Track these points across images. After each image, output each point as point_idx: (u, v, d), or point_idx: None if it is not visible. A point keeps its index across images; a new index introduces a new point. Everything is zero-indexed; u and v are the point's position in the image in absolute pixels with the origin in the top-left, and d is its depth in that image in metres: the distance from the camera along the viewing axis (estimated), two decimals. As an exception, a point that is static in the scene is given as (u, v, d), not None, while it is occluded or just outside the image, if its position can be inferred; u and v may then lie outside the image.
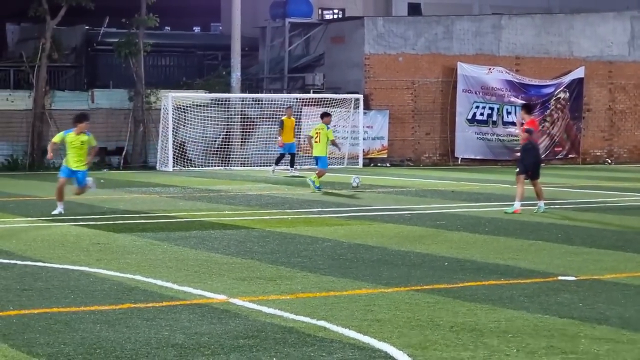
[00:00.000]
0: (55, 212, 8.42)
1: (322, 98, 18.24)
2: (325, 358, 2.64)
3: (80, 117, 9.06)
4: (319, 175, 12.02)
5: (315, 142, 12.29)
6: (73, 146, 8.63)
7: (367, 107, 18.39)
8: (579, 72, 19.86)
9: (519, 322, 3.32)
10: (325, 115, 12.78)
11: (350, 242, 6.55)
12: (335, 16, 23.07)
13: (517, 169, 9.28)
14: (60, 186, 8.57)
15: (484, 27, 20.00)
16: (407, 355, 2.63)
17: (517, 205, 8.72)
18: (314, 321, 3.31)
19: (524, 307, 3.71)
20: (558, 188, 12.44)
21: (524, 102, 16.94)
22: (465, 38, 19.62)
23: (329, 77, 19.59)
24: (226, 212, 9.28)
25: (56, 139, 9.19)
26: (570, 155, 20.18)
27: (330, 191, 12.32)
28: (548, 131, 19.58)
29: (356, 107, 18.00)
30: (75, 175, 8.78)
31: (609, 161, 20.35)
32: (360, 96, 18.13)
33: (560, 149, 20.16)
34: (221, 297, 4.03)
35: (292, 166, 15.69)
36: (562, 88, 19.81)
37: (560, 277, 4.74)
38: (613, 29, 20.83)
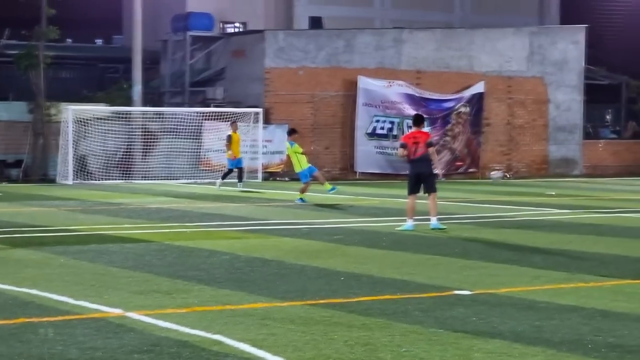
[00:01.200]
0: None
1: (222, 112, 18.30)
2: (219, 372, 2.49)
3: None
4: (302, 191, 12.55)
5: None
6: None
7: (267, 121, 18.53)
8: (479, 87, 20.49)
9: (413, 336, 3.35)
10: (291, 133, 13.48)
11: (247, 256, 6.63)
12: (237, 30, 23.14)
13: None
14: None
15: (385, 41, 20.48)
16: (301, 369, 2.69)
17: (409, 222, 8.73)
18: (209, 335, 3.32)
19: (419, 321, 3.74)
20: (457, 203, 12.66)
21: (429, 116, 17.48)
22: (366, 52, 20.04)
23: (230, 91, 19.71)
24: (126, 225, 9.19)
25: None
26: (470, 170, 20.62)
27: (230, 204, 12.50)
28: (449, 145, 20.14)
29: (256, 121, 18.13)
30: None
31: (507, 175, 20.98)
32: (260, 110, 18.25)
33: (461, 163, 20.58)
34: (117, 311, 4.04)
35: (240, 181, 15.69)
36: (462, 102, 20.38)
37: (455, 292, 4.78)
38: (512, 45, 21.54)
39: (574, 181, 20.14)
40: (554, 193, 15.84)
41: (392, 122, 19.79)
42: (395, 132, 19.58)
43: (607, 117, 25.70)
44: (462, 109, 20.30)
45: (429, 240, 8.03)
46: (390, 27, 23.43)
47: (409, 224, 8.63)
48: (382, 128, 19.75)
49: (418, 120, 9.41)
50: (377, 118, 19.69)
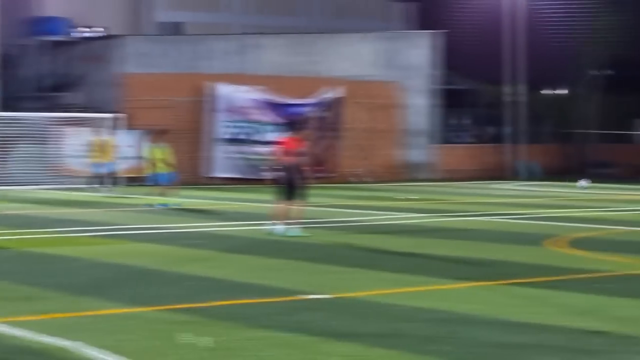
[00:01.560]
0: None
1: (80, 118, 18.07)
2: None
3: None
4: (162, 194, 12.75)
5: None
6: None
7: (124, 126, 18.36)
8: (334, 92, 21.11)
9: (273, 340, 3.34)
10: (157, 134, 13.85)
11: (106, 261, 6.73)
12: (96, 35, 22.66)
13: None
14: None
15: (238, 47, 20.85)
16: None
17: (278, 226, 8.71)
18: (66, 342, 3.23)
19: (279, 325, 3.73)
20: (317, 207, 12.61)
21: (285, 121, 17.85)
22: (221, 57, 20.37)
23: (88, 96, 19.53)
24: (-20, 232, 9.01)
25: None
26: (329, 175, 20.82)
27: (91, 210, 12.61)
28: (309, 151, 20.63)
29: (113, 126, 17.88)
30: None
31: (364, 180, 21.49)
32: (118, 115, 18.10)
33: (320, 168, 20.26)
34: None
35: (104, 185, 15.62)
36: (319, 107, 20.92)
37: (316, 296, 4.80)
38: (367, 50, 22.18)
39: (429, 185, 20.79)
40: (406, 197, 16.40)
41: (245, 128, 20.19)
42: (248, 138, 20.04)
43: (465, 122, 26.79)
44: (319, 114, 20.83)
45: (290, 245, 8.10)
46: (244, 33, 23.66)
47: (280, 227, 8.58)
48: (236, 133, 20.09)
49: (292, 127, 9.59)
50: (231, 124, 20.03)
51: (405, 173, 22.25)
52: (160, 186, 12.90)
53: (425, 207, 13.80)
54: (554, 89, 28.16)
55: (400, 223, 11.16)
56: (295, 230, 8.56)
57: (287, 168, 8.77)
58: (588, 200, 15.61)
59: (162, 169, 12.90)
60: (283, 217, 8.65)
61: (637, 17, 25.63)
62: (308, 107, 20.85)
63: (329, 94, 21.15)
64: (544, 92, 28.25)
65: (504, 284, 5.46)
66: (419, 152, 22.74)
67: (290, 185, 8.71)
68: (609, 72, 26.24)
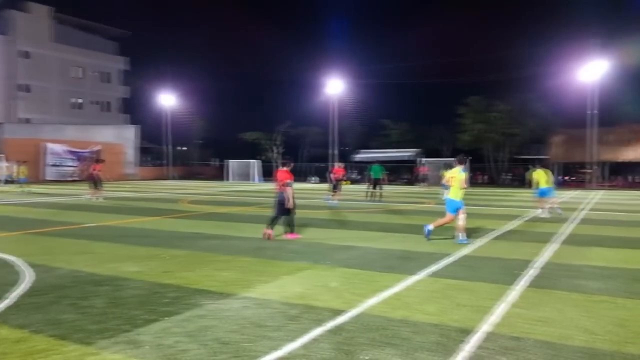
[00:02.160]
0: None
1: None
2: None
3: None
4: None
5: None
6: None
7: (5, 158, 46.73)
8: (98, 147, 53.74)
9: None
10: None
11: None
12: None
13: None
14: None
15: (57, 128, 50.73)
16: None
17: None
18: None
19: None
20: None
21: (78, 158, 50.25)
22: (50, 132, 50.64)
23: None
24: None
25: None
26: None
27: None
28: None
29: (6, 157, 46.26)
30: None
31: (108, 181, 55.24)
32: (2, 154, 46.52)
33: (94, 178, 53.58)
34: None
35: None
36: (93, 153, 53.27)
37: None
38: (108, 132, 55.58)
39: (133, 183, 55.78)
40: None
41: (61, 160, 49.91)
42: (62, 164, 51.02)
43: (148, 158, 63.30)
44: (92, 155, 53.43)
45: None
46: (54, 123, 54.07)
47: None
48: (57, 162, 50.19)
49: (97, 160, 43.12)
50: (56, 158, 49.81)
51: (127, 178, 55.84)
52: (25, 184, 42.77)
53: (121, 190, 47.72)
54: (182, 146, 66.59)
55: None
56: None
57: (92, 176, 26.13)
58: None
59: (24, 175, 42.69)
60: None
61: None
62: (86, 153, 52.47)
63: (96, 148, 53.22)
64: (178, 148, 66.35)
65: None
66: (131, 169, 56.80)
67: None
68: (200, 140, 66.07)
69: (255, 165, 53.19)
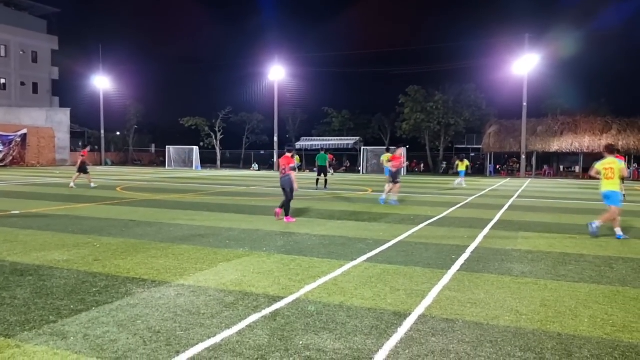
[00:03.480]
0: None
1: None
2: None
3: None
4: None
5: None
6: None
7: None
8: (24, 131, 50.68)
9: None
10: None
11: None
12: None
13: None
14: None
15: None
16: None
17: None
18: None
19: None
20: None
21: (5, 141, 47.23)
22: None
23: None
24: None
25: None
26: (20, 163, 50.99)
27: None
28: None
29: None
30: None
31: (38, 166, 52.32)
32: None
33: (19, 161, 50.52)
34: None
35: None
36: (18, 136, 50.17)
37: None
38: (38, 115, 52.47)
39: (65, 167, 53.42)
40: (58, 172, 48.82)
41: None
42: None
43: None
44: (18, 139, 50.42)
45: None
46: None
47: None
48: None
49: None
50: None
51: (58, 163, 53.08)
52: None
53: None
54: (118, 131, 64.08)
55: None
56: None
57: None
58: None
59: None
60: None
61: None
62: (14, 136, 49.42)
63: (23, 132, 50.21)
64: (114, 133, 63.74)
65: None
66: (63, 155, 54.09)
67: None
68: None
69: (194, 151, 52.07)
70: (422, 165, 51.69)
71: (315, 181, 24.62)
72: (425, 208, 15.33)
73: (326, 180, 24.10)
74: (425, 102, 48.57)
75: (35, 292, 5.63)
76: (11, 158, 48.94)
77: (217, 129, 55.60)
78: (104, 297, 5.48)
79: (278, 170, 11.81)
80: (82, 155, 22.83)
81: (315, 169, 44.10)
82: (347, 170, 47.86)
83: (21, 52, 59.20)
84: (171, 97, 76.50)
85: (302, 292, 5.83)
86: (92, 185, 22.17)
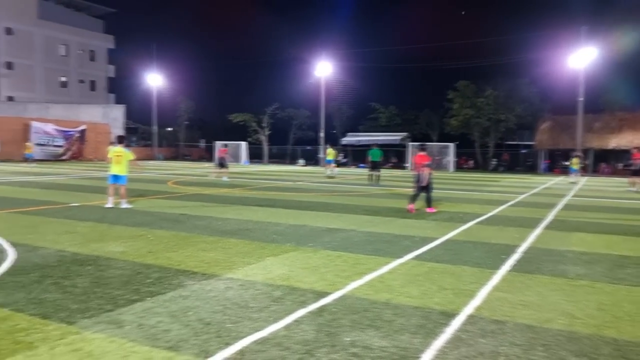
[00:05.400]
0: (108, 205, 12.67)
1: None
2: None
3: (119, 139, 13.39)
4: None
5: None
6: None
7: None
8: (83, 127, 53.05)
9: None
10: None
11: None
12: None
13: None
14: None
15: (44, 107, 50.28)
16: None
17: None
18: None
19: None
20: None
21: (65, 137, 49.82)
22: (33, 111, 49.26)
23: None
24: None
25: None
26: (81, 157, 53.46)
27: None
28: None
29: None
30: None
31: (95, 160, 54.87)
32: None
33: (79, 155, 52.98)
34: None
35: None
36: (79, 132, 52.56)
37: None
38: (95, 111, 54.78)
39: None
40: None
41: (48, 139, 48.53)
42: (51, 143, 50.12)
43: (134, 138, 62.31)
44: (78, 134, 52.71)
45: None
46: (48, 102, 52.39)
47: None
48: (43, 141, 49.22)
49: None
50: (41, 137, 48.57)
51: None
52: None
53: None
54: (169, 127, 65.93)
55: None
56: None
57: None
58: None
59: (29, 151, 42.36)
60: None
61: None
62: (74, 132, 51.68)
63: (82, 127, 52.43)
64: (166, 128, 65.67)
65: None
66: None
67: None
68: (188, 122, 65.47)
69: (242, 147, 52.90)
70: (471, 162, 50.62)
71: (367, 177, 24.52)
72: (473, 206, 15.03)
73: (378, 176, 23.95)
74: (475, 98, 47.47)
75: (94, 282, 5.90)
76: (71, 152, 51.14)
77: (264, 125, 56.27)
78: (157, 288, 5.67)
79: (412, 168, 12.69)
80: (222, 152, 27.07)
81: (362, 165, 44.00)
82: (393, 167, 47.45)
83: (80, 51, 61.86)
84: (220, 94, 78.01)
85: (348, 288, 5.85)
86: (225, 178, 24.43)
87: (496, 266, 7.14)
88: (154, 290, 5.60)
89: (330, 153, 31.67)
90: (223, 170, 25.22)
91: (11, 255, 7.16)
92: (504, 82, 47.30)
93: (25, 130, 47.22)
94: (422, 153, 13.25)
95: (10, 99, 53.23)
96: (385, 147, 49.29)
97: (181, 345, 4.09)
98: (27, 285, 5.68)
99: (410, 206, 13.02)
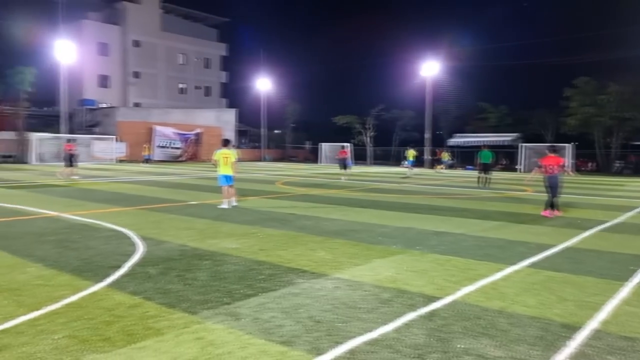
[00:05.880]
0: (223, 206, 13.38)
1: (104, 137, 49.12)
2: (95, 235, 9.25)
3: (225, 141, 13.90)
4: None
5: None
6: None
7: (119, 140, 50.45)
8: (199, 130, 57.33)
9: None
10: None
11: None
12: (106, 105, 52.92)
13: None
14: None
15: (164, 112, 55.58)
16: None
17: None
18: (93, 220, 13.82)
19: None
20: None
21: (183, 140, 53.83)
22: (157, 116, 54.29)
23: (103, 128, 50.12)
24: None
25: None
26: (196, 159, 57.53)
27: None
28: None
29: (115, 140, 50.07)
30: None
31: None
32: (116, 137, 49.59)
33: (195, 157, 57.28)
34: (55, 213, 11.32)
35: None
36: (195, 135, 56.58)
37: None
38: (209, 115, 59.53)
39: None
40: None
41: (168, 141, 52.41)
42: (170, 145, 53.99)
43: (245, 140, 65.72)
44: (195, 137, 55.55)
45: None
46: (167, 107, 57.08)
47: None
48: (164, 143, 52.64)
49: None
50: (162, 140, 52.33)
51: None
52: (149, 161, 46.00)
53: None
54: (276, 129, 68.36)
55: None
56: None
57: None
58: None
59: (147, 151, 45.75)
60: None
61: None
62: (190, 135, 55.52)
63: (197, 131, 56.14)
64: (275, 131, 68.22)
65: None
66: None
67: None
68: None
69: (347, 148, 53.39)
70: (592, 164, 46.85)
71: (477, 179, 23.67)
72: (595, 212, 13.90)
73: (488, 179, 23.02)
74: (596, 95, 43.82)
75: (212, 276, 6.27)
76: (187, 154, 54.85)
77: (368, 126, 56.36)
78: (269, 285, 5.90)
79: (542, 171, 12.54)
80: (342, 154, 29.72)
81: (469, 167, 42.47)
82: (504, 169, 45.28)
83: (196, 59, 66.18)
84: (326, 96, 79.42)
85: (459, 294, 5.68)
86: (343, 179, 26.32)
87: (624, 278, 6.54)
88: (266, 286, 5.84)
89: (411, 154, 32.56)
90: (343, 171, 27.62)
91: (140, 248, 7.84)
92: (630, 77, 43.19)
93: (149, 133, 51.39)
94: (553, 155, 12.71)
95: (137, 105, 58.35)
96: (495, 149, 47.18)
97: (294, 341, 4.22)
98: (154, 276, 6.19)
99: (546, 212, 12.53)
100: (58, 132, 45.37)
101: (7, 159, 43.55)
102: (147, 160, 45.15)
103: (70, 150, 24.12)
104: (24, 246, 7.87)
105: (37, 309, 4.85)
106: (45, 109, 54.65)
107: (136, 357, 3.83)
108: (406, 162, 33.54)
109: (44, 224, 9.94)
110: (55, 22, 47.19)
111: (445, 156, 43.38)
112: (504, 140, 48.54)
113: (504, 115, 53.44)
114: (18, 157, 43.73)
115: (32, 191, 17.32)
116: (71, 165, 23.85)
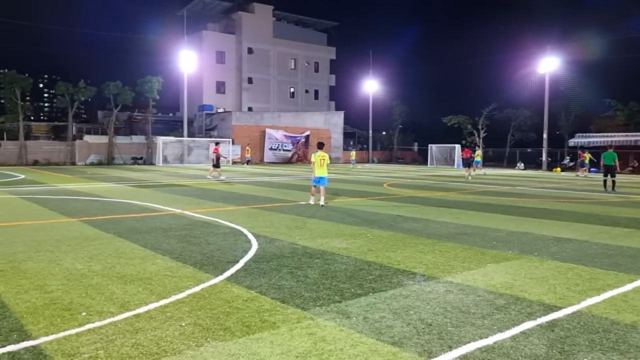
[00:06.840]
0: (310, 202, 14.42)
1: (220, 140, 52.09)
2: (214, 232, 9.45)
3: (320, 144, 14.77)
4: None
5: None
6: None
7: (233, 143, 52.96)
8: (307, 133, 58.99)
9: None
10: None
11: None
12: (222, 110, 56.36)
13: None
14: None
15: (275, 115, 58.06)
16: None
17: None
18: (211, 218, 13.18)
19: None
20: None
21: (294, 142, 55.64)
22: (268, 120, 56.68)
23: (220, 133, 53.05)
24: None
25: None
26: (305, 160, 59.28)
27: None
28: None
29: (230, 143, 52.85)
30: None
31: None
32: (231, 139, 52.57)
33: (303, 159, 58.95)
34: (178, 210, 12.04)
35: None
36: (303, 138, 58.32)
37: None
38: (317, 117, 61.13)
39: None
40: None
41: (279, 144, 53.98)
42: (281, 148, 55.78)
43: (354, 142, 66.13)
44: (303, 140, 57.13)
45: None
46: (278, 111, 58.99)
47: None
48: (275, 146, 54.40)
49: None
50: (273, 142, 54.34)
51: (333, 162, 59.55)
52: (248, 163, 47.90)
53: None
54: (383, 131, 68.07)
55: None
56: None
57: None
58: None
59: (248, 154, 47.73)
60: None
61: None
62: (300, 137, 57.24)
63: (306, 133, 57.74)
64: (381, 133, 68.03)
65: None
66: (337, 153, 60.22)
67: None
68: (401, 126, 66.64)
69: (456, 149, 51.80)
70: None
71: (602, 182, 21.87)
72: None
73: (614, 182, 21.16)
74: None
75: (322, 274, 6.41)
76: (297, 156, 56.50)
77: (480, 127, 54.19)
78: (379, 285, 5.91)
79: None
80: (466, 153, 30.85)
81: (593, 170, 39.13)
82: (633, 171, 41.24)
83: (306, 64, 67.99)
84: (434, 97, 77.70)
85: (583, 304, 5.28)
86: (469, 177, 27.91)
87: None
88: (376, 286, 5.85)
89: (479, 154, 34.17)
90: (468, 169, 28.70)
91: (254, 245, 8.23)
92: None
93: (261, 137, 53.70)
94: None
95: (250, 109, 61.26)
96: (625, 149, 42.97)
97: (404, 342, 4.19)
98: (267, 272, 6.46)
99: None
100: (181, 136, 49.02)
101: (138, 160, 47.79)
102: (248, 162, 47.15)
103: (216, 152, 25.76)
104: (153, 240, 8.61)
105: (166, 298, 5.29)
106: (170, 115, 59.34)
107: (253, 347, 4.03)
108: (475, 163, 33.72)
109: (169, 220, 10.78)
110: (180, 34, 51.08)
111: (587, 158, 38.88)
112: (634, 141, 44.22)
113: (634, 113, 48.66)
114: (146, 159, 47.80)
115: (158, 190, 18.85)
116: (218, 167, 25.46)
